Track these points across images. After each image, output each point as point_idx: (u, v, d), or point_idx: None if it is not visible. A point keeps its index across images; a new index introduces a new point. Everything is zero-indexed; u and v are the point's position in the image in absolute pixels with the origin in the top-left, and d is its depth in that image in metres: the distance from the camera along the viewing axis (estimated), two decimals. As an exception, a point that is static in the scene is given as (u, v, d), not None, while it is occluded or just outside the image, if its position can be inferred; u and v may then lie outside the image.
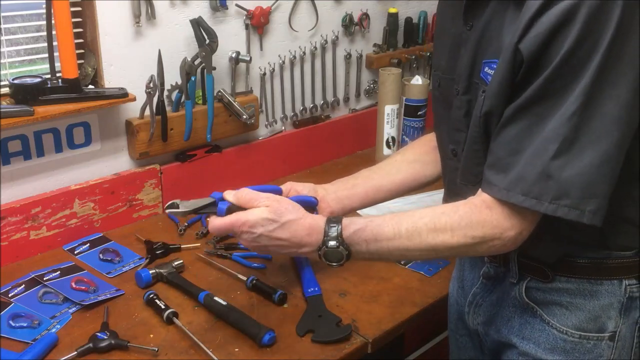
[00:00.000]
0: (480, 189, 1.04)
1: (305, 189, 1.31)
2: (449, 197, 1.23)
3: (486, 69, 1.03)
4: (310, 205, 1.28)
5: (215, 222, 1.11)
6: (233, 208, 1.12)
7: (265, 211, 1.08)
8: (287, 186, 1.30)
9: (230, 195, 1.13)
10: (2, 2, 1.47)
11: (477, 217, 1.01)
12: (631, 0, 0.89)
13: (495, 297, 1.22)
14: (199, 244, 1.63)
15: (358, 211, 1.82)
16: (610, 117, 0.92)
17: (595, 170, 0.93)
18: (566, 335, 1.11)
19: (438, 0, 1.25)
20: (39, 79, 1.50)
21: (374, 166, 1.42)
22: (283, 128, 2.06)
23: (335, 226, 1.06)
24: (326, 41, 2.06)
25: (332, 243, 1.05)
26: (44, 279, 1.45)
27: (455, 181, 1.17)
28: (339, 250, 1.05)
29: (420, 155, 1.39)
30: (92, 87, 1.61)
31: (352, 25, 2.10)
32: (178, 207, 1.14)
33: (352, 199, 1.34)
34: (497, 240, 1.01)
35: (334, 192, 1.33)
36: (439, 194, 1.31)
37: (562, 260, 1.10)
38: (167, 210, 1.16)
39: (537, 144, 0.95)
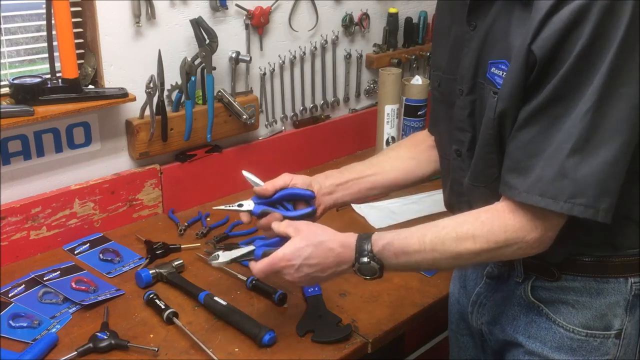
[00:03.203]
0: (502, 194, 1.04)
1: (302, 182, 1.32)
2: (452, 197, 1.23)
3: (493, 69, 1.03)
4: (307, 198, 1.28)
5: (256, 266, 1.16)
6: (268, 252, 1.16)
7: (296, 240, 1.13)
8: (287, 178, 1.31)
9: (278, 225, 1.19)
10: (2, 2, 1.47)
11: (498, 222, 1.01)
12: None
13: (500, 297, 1.22)
14: (199, 244, 1.63)
15: (357, 210, 1.83)
16: (623, 115, 0.92)
17: (609, 168, 0.93)
18: (573, 333, 1.11)
19: (437, 0, 1.26)
20: (39, 79, 1.50)
21: (368, 160, 1.42)
22: (283, 128, 2.06)
23: (365, 243, 1.10)
24: (326, 41, 2.06)
25: (364, 259, 1.09)
26: (44, 279, 1.45)
27: (461, 181, 1.16)
28: (371, 265, 1.09)
29: (415, 154, 1.40)
30: (92, 87, 1.61)
31: (352, 25, 2.10)
32: (218, 259, 1.20)
33: (345, 193, 1.36)
34: (522, 243, 1.01)
35: (327, 188, 1.34)
36: (439, 194, 1.31)
37: (568, 259, 1.10)
38: (211, 263, 1.21)
39: (554, 144, 0.95)
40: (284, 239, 1.16)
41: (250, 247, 1.20)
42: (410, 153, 1.40)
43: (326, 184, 1.34)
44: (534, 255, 1.05)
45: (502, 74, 1.00)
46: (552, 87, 0.94)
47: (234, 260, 1.20)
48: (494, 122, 1.03)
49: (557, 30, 0.91)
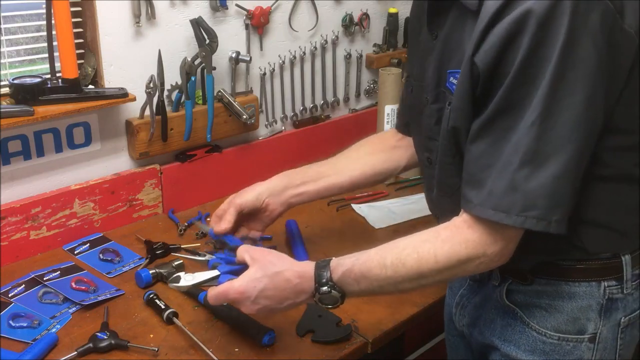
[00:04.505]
0: (462, 208, 1.03)
1: (249, 200, 1.34)
2: (429, 203, 1.24)
3: (451, 79, 1.03)
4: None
5: (212, 292, 1.13)
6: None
7: (252, 271, 1.10)
8: (225, 207, 1.34)
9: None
10: (2, 2, 1.47)
11: (458, 238, 1.00)
12: (580, 1, 0.88)
13: (479, 299, 1.22)
14: (199, 244, 1.63)
15: (357, 210, 1.83)
16: (570, 125, 0.91)
17: (559, 179, 0.92)
18: (545, 337, 1.11)
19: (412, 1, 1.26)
20: (39, 79, 1.50)
21: (329, 161, 1.44)
22: (283, 128, 2.06)
23: (324, 271, 1.07)
24: (326, 41, 2.06)
25: (323, 288, 1.06)
26: (44, 279, 1.45)
27: (432, 189, 1.17)
28: (332, 294, 1.07)
29: (377, 154, 1.42)
30: (92, 87, 1.61)
31: (352, 25, 2.10)
32: (179, 282, 1.16)
33: (301, 197, 1.38)
34: (483, 257, 0.99)
35: (279, 195, 1.36)
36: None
37: (541, 263, 1.09)
38: (170, 285, 1.18)
39: (504, 157, 0.94)
40: (246, 266, 1.13)
41: (215, 273, 1.17)
42: (372, 154, 1.42)
43: (279, 188, 1.36)
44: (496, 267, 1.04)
45: None
46: (497, 100, 0.93)
47: (196, 286, 1.17)
48: (448, 133, 1.03)
49: (497, 41, 0.91)
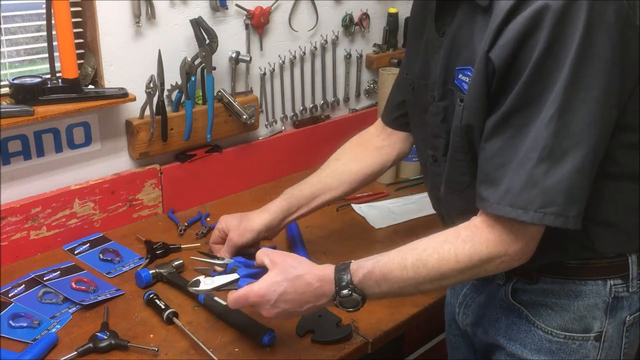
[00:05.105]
0: (478, 208, 1.02)
1: (250, 239, 1.36)
2: (433, 201, 1.24)
3: (460, 75, 1.03)
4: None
5: (232, 296, 1.13)
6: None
7: (272, 274, 1.10)
8: (218, 234, 1.39)
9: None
10: (2, 2, 1.47)
11: (479, 238, 0.99)
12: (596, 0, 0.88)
13: (483, 298, 1.22)
14: (199, 244, 1.63)
15: (357, 210, 1.83)
16: (587, 120, 0.91)
17: (577, 175, 0.92)
18: (551, 335, 1.11)
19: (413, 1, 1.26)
20: (39, 79, 1.50)
21: (320, 176, 1.45)
22: (283, 128, 2.06)
23: (344, 274, 1.06)
24: (326, 41, 2.06)
25: (344, 291, 1.05)
26: (44, 279, 1.45)
27: (438, 187, 1.17)
28: (353, 297, 1.06)
29: (363, 160, 1.43)
30: (92, 87, 1.61)
31: (352, 25, 2.10)
32: (199, 286, 1.15)
33: (295, 220, 1.43)
34: (505, 257, 0.99)
35: (277, 226, 1.40)
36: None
37: (548, 263, 1.09)
38: (190, 289, 1.17)
39: (521, 153, 0.94)
40: (265, 269, 1.13)
41: (234, 276, 1.16)
42: (356, 161, 1.44)
43: (275, 221, 1.38)
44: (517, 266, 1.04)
45: (469, 80, 1.00)
46: (514, 96, 0.93)
47: (216, 289, 1.16)
48: (461, 130, 1.03)
49: (514, 37, 0.91)
